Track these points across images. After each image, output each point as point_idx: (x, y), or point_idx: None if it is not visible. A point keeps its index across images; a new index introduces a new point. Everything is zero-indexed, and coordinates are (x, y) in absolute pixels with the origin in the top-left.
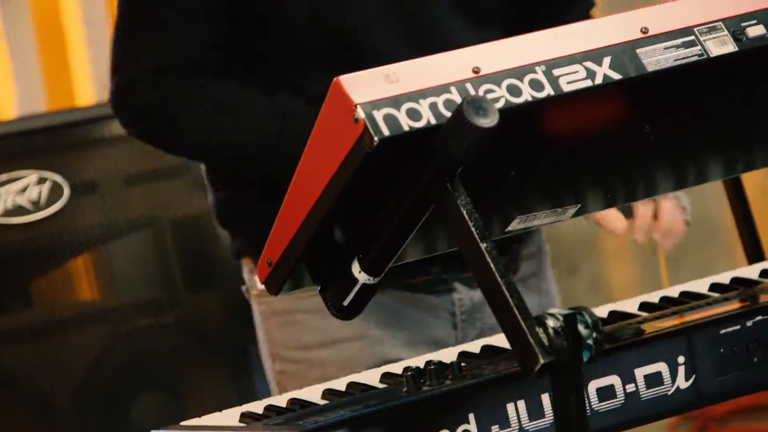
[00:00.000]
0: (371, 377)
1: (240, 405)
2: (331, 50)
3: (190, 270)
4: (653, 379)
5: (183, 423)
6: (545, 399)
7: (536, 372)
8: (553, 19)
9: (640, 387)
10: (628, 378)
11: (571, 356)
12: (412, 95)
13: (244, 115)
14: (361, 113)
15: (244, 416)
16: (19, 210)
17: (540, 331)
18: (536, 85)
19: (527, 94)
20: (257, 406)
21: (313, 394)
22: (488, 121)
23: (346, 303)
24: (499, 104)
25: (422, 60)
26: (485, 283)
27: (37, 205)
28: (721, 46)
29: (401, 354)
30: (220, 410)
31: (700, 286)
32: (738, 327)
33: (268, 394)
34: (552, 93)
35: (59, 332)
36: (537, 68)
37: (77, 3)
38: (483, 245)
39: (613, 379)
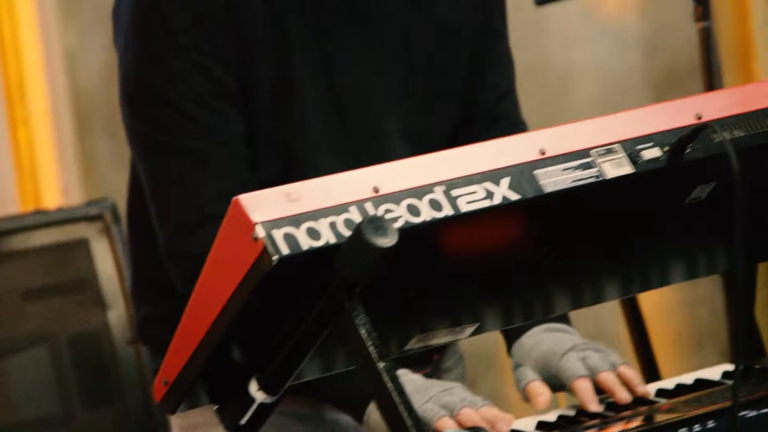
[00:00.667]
0: None
1: None
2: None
3: (86, 386)
4: None
5: None
6: None
7: None
8: None
9: None
10: None
11: None
12: (312, 214)
13: None
14: (260, 232)
15: None
16: None
17: None
18: (435, 204)
19: (426, 214)
20: None
21: None
22: (387, 241)
23: (242, 422)
24: (399, 224)
25: (323, 179)
26: (382, 402)
27: None
28: (617, 167)
29: None
30: None
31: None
32: None
33: None
34: (451, 213)
35: None
36: (436, 188)
37: None
38: (381, 365)
39: None
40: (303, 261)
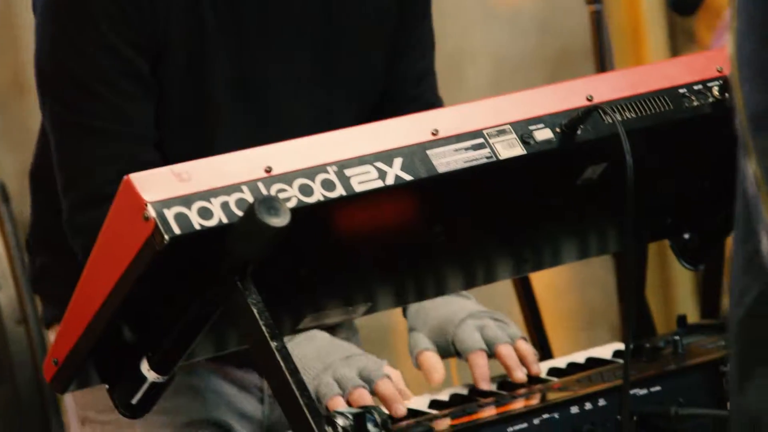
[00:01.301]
0: None
1: None
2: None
3: None
4: None
5: None
6: None
7: None
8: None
9: None
10: None
11: None
12: (204, 194)
13: None
14: (151, 212)
15: None
16: None
17: (330, 430)
18: (328, 185)
19: (319, 194)
20: None
21: None
22: (280, 221)
23: (134, 401)
24: (291, 204)
25: (214, 159)
26: (275, 381)
27: None
28: (509, 148)
29: (206, 416)
30: None
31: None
32: (525, 425)
33: None
34: (344, 193)
35: None
36: (329, 168)
37: None
38: (273, 344)
39: None
40: (195, 241)
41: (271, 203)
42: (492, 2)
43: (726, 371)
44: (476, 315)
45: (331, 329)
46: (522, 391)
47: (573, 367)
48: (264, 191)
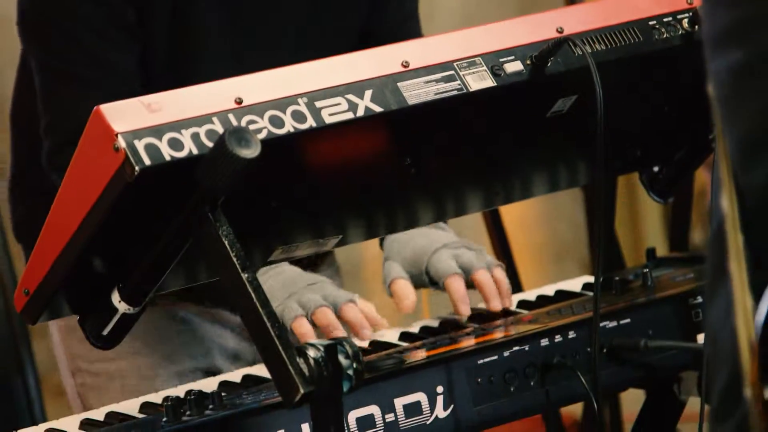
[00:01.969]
0: (131, 407)
1: None
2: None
3: None
4: (412, 409)
5: None
6: (305, 429)
7: (296, 402)
8: None
9: (399, 417)
10: (387, 408)
11: (331, 386)
12: (174, 125)
13: None
14: (122, 142)
15: None
16: None
17: (301, 361)
18: (298, 116)
19: (289, 126)
20: None
21: (70, 424)
22: (250, 152)
23: (105, 332)
24: (262, 135)
25: (185, 90)
26: (246, 313)
27: None
28: (480, 81)
29: (197, 364)
30: None
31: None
32: (495, 357)
33: (26, 424)
34: (314, 125)
35: None
36: (299, 100)
37: None
38: (244, 275)
39: (373, 409)
40: (165, 172)
41: (241, 134)
42: None
43: (695, 303)
44: (451, 245)
45: (313, 266)
46: (492, 323)
47: (543, 300)
48: (234, 122)
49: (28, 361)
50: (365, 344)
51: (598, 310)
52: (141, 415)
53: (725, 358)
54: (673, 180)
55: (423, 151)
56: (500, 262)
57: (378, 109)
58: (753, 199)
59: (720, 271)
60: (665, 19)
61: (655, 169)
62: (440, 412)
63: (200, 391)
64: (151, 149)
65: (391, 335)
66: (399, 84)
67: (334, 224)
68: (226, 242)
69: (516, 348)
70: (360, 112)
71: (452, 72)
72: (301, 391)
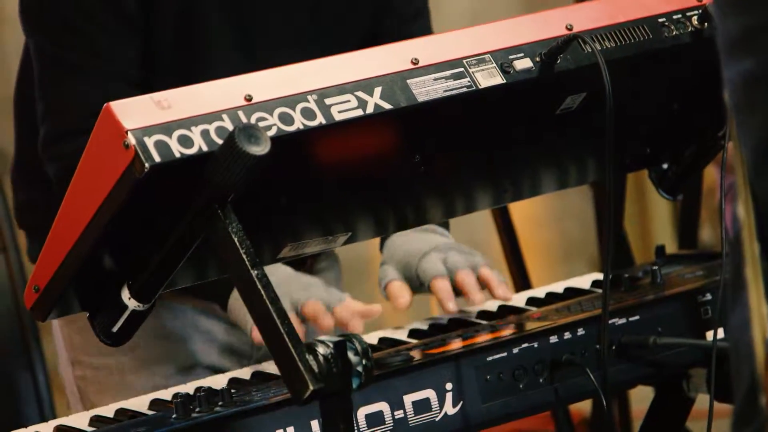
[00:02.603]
0: (140, 403)
1: None
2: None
3: None
4: (421, 406)
5: None
6: (315, 425)
7: (306, 399)
8: None
9: (408, 413)
10: (396, 404)
11: (341, 383)
12: (184, 122)
13: None
14: (131, 139)
15: None
16: None
17: (310, 358)
18: (308, 113)
19: (299, 123)
20: None
21: (80, 420)
22: (260, 149)
23: (115, 329)
24: (271, 132)
25: (194, 87)
26: (256, 310)
27: None
28: (489, 78)
29: (199, 359)
30: None
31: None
32: (504, 354)
33: (35, 421)
34: (324, 122)
35: None
36: (309, 97)
37: None
38: (254, 272)
39: (382, 406)
40: (175, 169)
41: (251, 131)
42: None
43: (704, 300)
44: (441, 248)
45: (312, 257)
46: (501, 320)
47: (552, 297)
48: (244, 119)
49: (37, 357)
50: (374, 341)
51: (607, 307)
52: (150, 412)
53: (746, 366)
54: (682, 177)
55: (432, 148)
56: (504, 263)
57: (387, 106)
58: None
59: (738, 278)
60: (674, 17)
61: (664, 166)
62: (449, 409)
63: (210, 388)
64: (160, 146)
65: (400, 332)
66: (408, 81)
67: (344, 221)
68: (235, 239)
69: (525, 345)
70: (369, 110)
71: (462, 69)
72: (311, 387)
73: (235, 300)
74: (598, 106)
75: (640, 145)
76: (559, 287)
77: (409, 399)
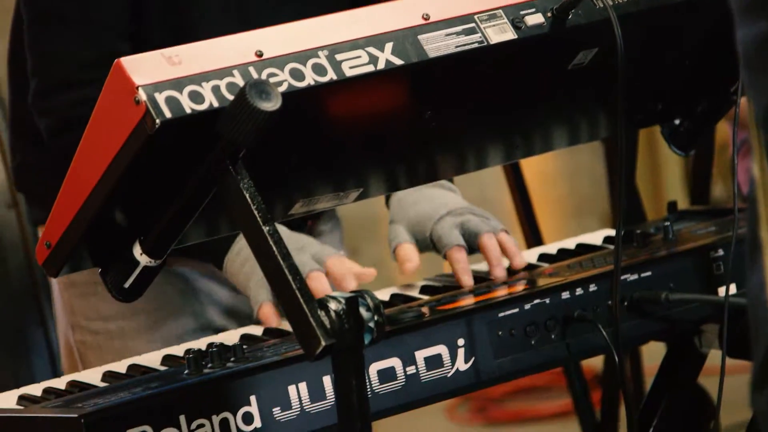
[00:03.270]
0: (152, 359)
1: (17, 388)
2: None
3: None
4: (433, 362)
5: None
6: (327, 381)
7: (318, 354)
8: None
9: (420, 369)
10: (408, 360)
11: (353, 339)
12: (195, 78)
13: None
14: (142, 95)
15: (22, 399)
16: None
17: (322, 314)
18: (319, 69)
19: (310, 79)
20: (35, 389)
21: (92, 376)
22: (271, 105)
23: (126, 285)
24: (282, 88)
25: (205, 43)
26: (267, 266)
27: None
28: (500, 33)
29: (200, 323)
30: None
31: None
32: (516, 310)
33: (47, 377)
34: (335, 78)
35: None
36: (320, 53)
37: None
38: (265, 228)
39: (394, 362)
40: (186, 125)
41: (262, 87)
42: None
43: (716, 256)
44: (456, 212)
45: (313, 219)
46: (513, 277)
47: (563, 253)
48: (255, 75)
49: (49, 313)
50: (386, 297)
51: (620, 263)
52: (163, 367)
53: (763, 328)
54: (694, 133)
55: (443, 104)
56: (515, 220)
57: (398, 62)
58: None
59: (755, 239)
60: None
61: (677, 122)
62: (461, 365)
63: (222, 344)
64: (171, 102)
65: (412, 289)
66: (419, 37)
67: (355, 177)
68: (247, 195)
69: (537, 301)
70: (381, 65)
71: (473, 25)
72: (323, 343)
73: (232, 262)
74: (610, 61)
75: (652, 101)
76: (570, 243)
77: (421, 355)
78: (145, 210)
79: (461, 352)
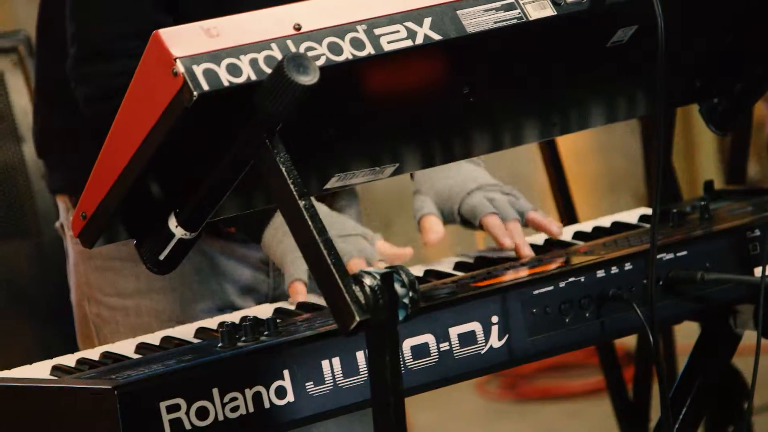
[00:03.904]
0: (186, 331)
1: (51, 358)
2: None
3: (0, 219)
4: (467, 339)
5: None
6: (360, 356)
7: (352, 330)
8: None
9: (454, 346)
10: (442, 337)
11: (387, 315)
12: (233, 51)
13: None
14: (180, 67)
15: (56, 369)
16: None
17: (357, 289)
18: (357, 43)
19: (348, 53)
20: (69, 359)
21: (126, 347)
22: (309, 79)
23: (162, 257)
24: (320, 62)
25: (243, 15)
26: (303, 240)
27: None
28: (540, 10)
29: (218, 301)
30: (31, 363)
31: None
32: (551, 288)
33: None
34: (373, 52)
35: None
36: (358, 27)
37: None
38: (301, 203)
39: (428, 338)
40: (223, 98)
41: (300, 61)
42: None
43: (753, 236)
44: (486, 188)
45: (331, 196)
46: (548, 254)
47: (599, 232)
48: (293, 49)
49: None
50: (420, 273)
51: (656, 241)
52: (196, 340)
53: None
54: (732, 112)
55: (481, 80)
56: (549, 196)
57: (437, 37)
58: None
59: None
60: None
61: (715, 100)
62: (495, 342)
63: (255, 317)
64: (209, 75)
65: (446, 264)
66: (458, 12)
67: (391, 153)
68: (283, 169)
69: (572, 279)
70: (419, 40)
71: (512, 1)
72: (357, 318)
73: (272, 237)
74: (649, 39)
75: (691, 79)
76: (606, 222)
77: (455, 331)
78: (181, 182)
79: (495, 329)
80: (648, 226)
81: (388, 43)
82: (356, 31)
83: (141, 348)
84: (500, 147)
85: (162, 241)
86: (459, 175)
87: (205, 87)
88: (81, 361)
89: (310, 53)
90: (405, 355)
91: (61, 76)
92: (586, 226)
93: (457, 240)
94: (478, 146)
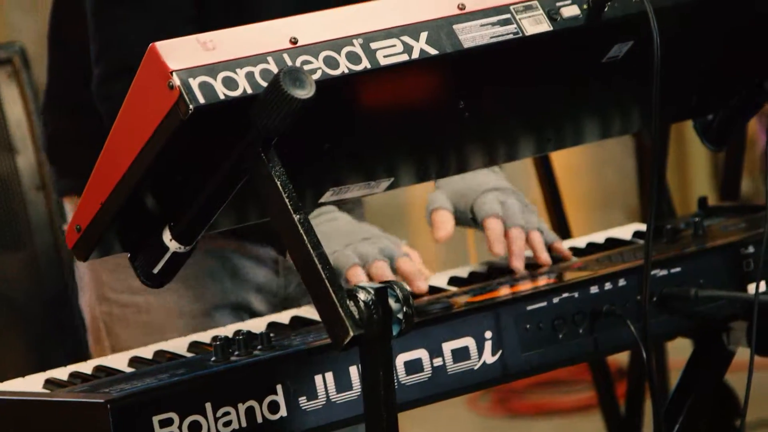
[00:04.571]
0: (179, 345)
1: (44, 371)
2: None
3: None
4: (460, 354)
5: None
6: (353, 371)
7: (345, 344)
8: None
9: (447, 361)
10: (435, 352)
11: (381, 330)
12: (229, 64)
13: None
14: (176, 80)
15: (48, 382)
16: None
17: (351, 304)
18: (353, 57)
19: (344, 67)
20: (62, 373)
21: (119, 361)
22: (305, 93)
23: (155, 271)
24: (316, 76)
25: (240, 29)
26: (297, 254)
27: None
28: (536, 24)
29: (227, 299)
30: (23, 376)
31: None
32: (544, 304)
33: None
34: (369, 66)
35: None
36: (354, 41)
37: None
38: (296, 217)
39: (421, 353)
40: (219, 111)
41: (296, 74)
42: None
43: (746, 253)
44: (502, 190)
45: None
46: (542, 270)
47: (593, 247)
48: (289, 62)
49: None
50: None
51: (650, 258)
52: (189, 354)
53: None
54: (727, 128)
55: (477, 94)
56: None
57: (433, 51)
58: None
59: None
60: None
61: (710, 117)
62: (488, 358)
63: (249, 332)
64: (205, 88)
65: (440, 280)
66: (455, 27)
67: (386, 167)
68: (278, 182)
69: (565, 295)
70: (415, 55)
71: (508, 15)
72: (351, 333)
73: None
74: (644, 55)
75: (686, 95)
76: (600, 237)
77: (448, 347)
78: (175, 196)
79: (488, 344)
80: (642, 242)
81: (385, 57)
82: (352, 45)
83: (134, 362)
84: (494, 162)
85: (156, 255)
86: (477, 178)
87: (201, 100)
88: (74, 375)
89: (306, 67)
90: (398, 370)
91: (73, 80)
92: (579, 242)
93: (449, 250)
94: (472, 160)
